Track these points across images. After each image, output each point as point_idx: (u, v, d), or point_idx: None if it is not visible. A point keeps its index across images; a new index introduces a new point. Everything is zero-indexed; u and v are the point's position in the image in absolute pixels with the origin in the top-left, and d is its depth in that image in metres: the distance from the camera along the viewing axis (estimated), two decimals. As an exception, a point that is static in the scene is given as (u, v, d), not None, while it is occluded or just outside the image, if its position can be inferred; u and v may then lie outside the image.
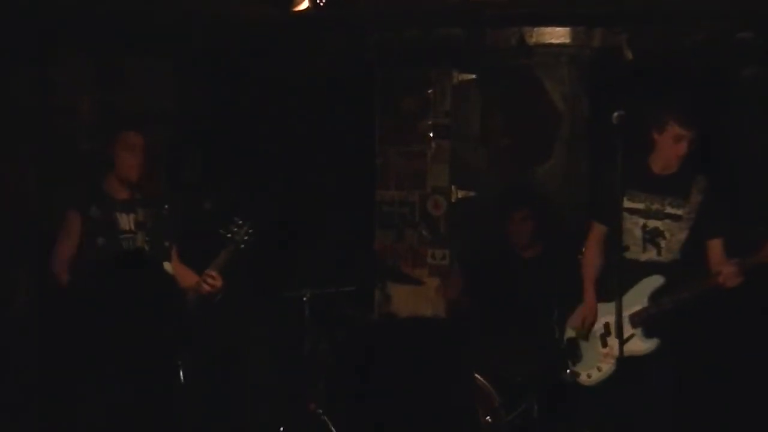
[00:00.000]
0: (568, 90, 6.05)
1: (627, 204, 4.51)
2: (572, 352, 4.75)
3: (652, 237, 4.53)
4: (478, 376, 4.92)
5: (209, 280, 4.66)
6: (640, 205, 4.54)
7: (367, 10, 5.61)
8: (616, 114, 4.24)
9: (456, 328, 5.52)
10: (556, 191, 6.02)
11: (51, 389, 4.54)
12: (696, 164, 4.49)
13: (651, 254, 4.53)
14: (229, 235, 4.74)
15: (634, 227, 4.54)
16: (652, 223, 4.53)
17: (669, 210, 4.50)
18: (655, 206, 4.52)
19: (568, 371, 4.71)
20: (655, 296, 4.50)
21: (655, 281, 4.50)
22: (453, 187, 6.16)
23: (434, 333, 2.18)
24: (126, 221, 4.70)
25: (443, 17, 5.82)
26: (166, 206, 4.85)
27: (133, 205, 4.72)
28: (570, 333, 4.78)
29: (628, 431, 4.39)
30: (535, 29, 5.93)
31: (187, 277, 4.75)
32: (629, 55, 5.55)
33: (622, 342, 4.18)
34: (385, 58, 6.16)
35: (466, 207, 6.16)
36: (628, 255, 4.49)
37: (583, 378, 4.67)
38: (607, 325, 4.63)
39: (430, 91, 6.17)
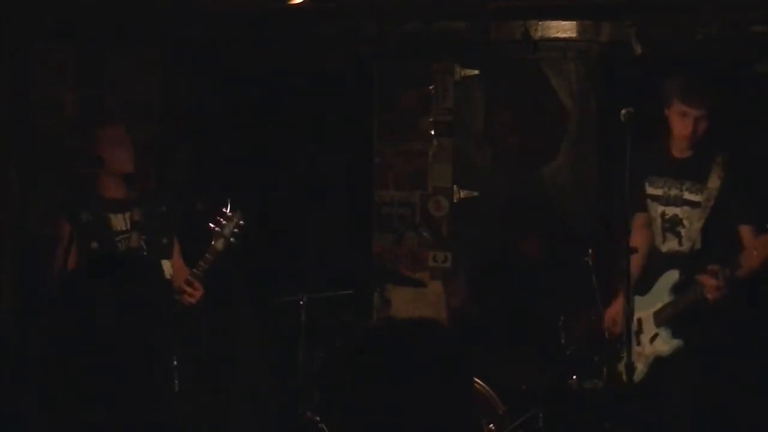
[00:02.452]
0: (575, 86, 6.09)
1: (648, 190, 4.55)
2: (616, 350, 4.65)
3: (672, 225, 4.54)
4: (482, 384, 5.00)
5: (187, 289, 4.62)
6: (659, 191, 4.56)
7: (365, 1, 5.68)
8: (624, 111, 4.33)
9: (456, 332, 5.62)
10: (564, 191, 6.09)
11: (32, 398, 4.58)
12: (715, 144, 4.49)
13: (672, 244, 4.54)
14: (218, 229, 4.67)
15: (655, 215, 4.55)
16: (671, 211, 4.54)
17: (687, 196, 4.50)
18: (674, 192, 4.53)
19: (573, 377, 4.77)
20: (675, 292, 4.49)
21: (672, 277, 4.50)
22: (455, 187, 6.23)
23: (433, 336, 2.17)
24: (120, 221, 4.72)
25: (445, 9, 5.89)
26: (164, 206, 4.87)
27: (128, 203, 4.74)
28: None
29: None
30: (541, 23, 5.99)
31: (184, 275, 4.75)
32: (638, 49, 5.58)
33: (629, 340, 4.19)
34: (384, 52, 6.21)
35: (469, 208, 6.24)
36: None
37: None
38: (639, 322, 4.62)
39: (431, 86, 6.22)
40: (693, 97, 4.41)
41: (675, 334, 4.47)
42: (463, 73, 6.19)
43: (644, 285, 4.60)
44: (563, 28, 6.01)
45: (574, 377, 4.79)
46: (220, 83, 6.33)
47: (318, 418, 5.06)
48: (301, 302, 5.21)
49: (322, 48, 6.22)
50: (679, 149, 4.53)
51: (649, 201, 4.58)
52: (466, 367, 2.14)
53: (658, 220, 4.55)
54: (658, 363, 4.42)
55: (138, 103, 6.16)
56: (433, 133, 6.23)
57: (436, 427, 1.97)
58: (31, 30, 5.74)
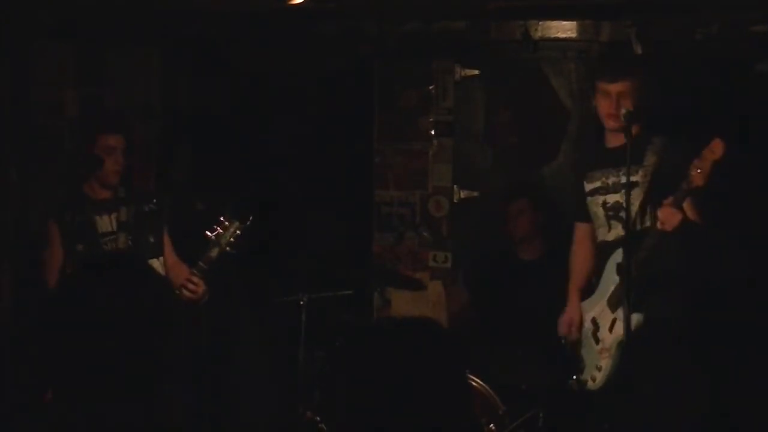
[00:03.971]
0: (575, 86, 6.13)
1: (587, 187, 4.58)
2: (575, 362, 4.74)
3: (615, 212, 4.52)
4: (482, 384, 5.02)
5: (190, 286, 4.61)
6: (598, 183, 4.57)
7: (365, 1, 5.70)
8: (624, 111, 4.36)
9: (455, 331, 5.63)
10: (564, 191, 6.09)
11: (29, 399, 4.60)
12: (651, 128, 4.52)
13: (617, 231, 4.50)
14: (214, 237, 4.64)
15: (597, 208, 4.57)
16: (612, 198, 4.53)
17: (624, 179, 4.44)
18: (612, 179, 4.52)
19: (573, 377, 4.78)
20: (621, 270, 4.44)
21: (617, 256, 4.45)
22: (455, 187, 6.26)
23: (430, 335, 2.17)
24: (107, 222, 4.73)
25: (445, 9, 5.91)
26: (154, 201, 4.88)
27: (116, 204, 4.76)
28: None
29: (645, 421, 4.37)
30: (541, 23, 6.01)
31: (180, 271, 4.77)
32: (638, 49, 5.58)
33: (629, 329, 4.20)
34: (384, 52, 6.23)
35: (469, 208, 6.26)
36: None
37: (589, 384, 4.63)
38: (594, 320, 4.64)
39: (431, 86, 6.25)
40: (608, 73, 4.46)
41: (631, 311, 4.37)
42: (463, 73, 6.22)
43: (593, 285, 4.64)
44: (563, 28, 6.03)
45: (574, 377, 4.79)
46: (220, 83, 6.35)
47: (318, 418, 5.08)
48: (301, 302, 5.22)
49: (322, 48, 6.24)
50: (613, 137, 4.53)
51: (588, 198, 4.60)
52: (463, 366, 2.15)
53: (601, 211, 4.55)
54: (623, 347, 4.37)
55: (138, 103, 6.17)
56: (433, 133, 6.26)
57: (435, 425, 1.98)
58: (31, 29, 5.75)
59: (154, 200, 4.91)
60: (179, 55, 6.30)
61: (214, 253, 4.64)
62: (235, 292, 5.91)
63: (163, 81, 6.28)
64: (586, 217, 4.72)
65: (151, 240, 4.82)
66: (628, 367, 4.27)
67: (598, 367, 4.60)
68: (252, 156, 6.38)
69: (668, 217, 4.23)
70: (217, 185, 6.07)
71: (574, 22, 6.01)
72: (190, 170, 6.38)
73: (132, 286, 2.14)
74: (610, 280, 4.52)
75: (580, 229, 4.81)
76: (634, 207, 4.43)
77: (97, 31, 5.94)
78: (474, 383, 5.01)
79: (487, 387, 5.01)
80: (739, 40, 5.63)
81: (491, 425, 4.95)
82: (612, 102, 4.43)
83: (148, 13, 5.80)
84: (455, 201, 6.26)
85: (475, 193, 6.25)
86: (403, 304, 6.11)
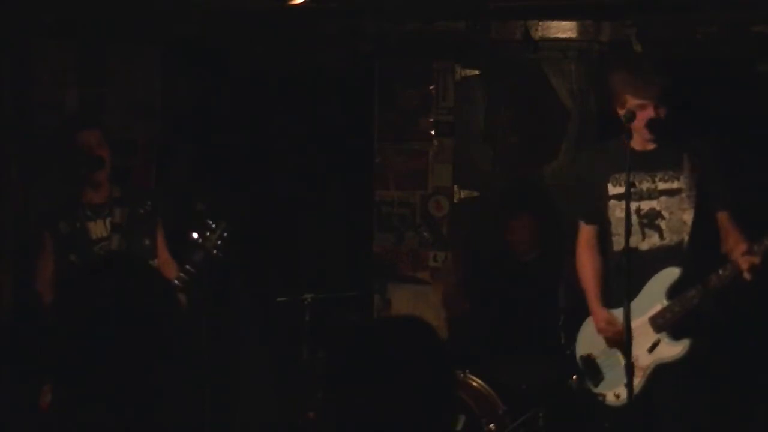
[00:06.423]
0: (576, 86, 6.13)
1: (613, 190, 4.29)
2: (591, 373, 4.44)
3: (650, 220, 4.23)
4: (482, 383, 5.02)
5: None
6: (625, 188, 4.14)
7: (366, 0, 5.71)
8: (624, 111, 4.34)
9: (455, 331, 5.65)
10: (564, 191, 6.10)
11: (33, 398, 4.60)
12: (684, 134, 4.28)
13: (653, 240, 4.23)
14: (200, 240, 4.46)
15: (622, 215, 4.15)
16: (647, 204, 4.22)
17: (662, 186, 4.21)
18: (646, 185, 4.22)
19: (573, 377, 4.77)
20: (674, 292, 4.17)
21: (670, 275, 4.19)
22: (456, 187, 6.26)
23: (414, 333, 2.19)
24: (101, 227, 4.63)
25: (445, 9, 5.92)
26: (149, 203, 4.75)
27: (111, 206, 4.65)
28: (583, 350, 4.49)
29: None
30: (541, 23, 6.02)
31: (170, 270, 4.60)
32: (638, 48, 5.62)
33: (629, 347, 4.05)
34: (384, 52, 6.24)
35: (470, 208, 6.26)
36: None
37: (611, 399, 4.32)
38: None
39: (431, 86, 6.26)
40: (644, 89, 4.15)
41: (678, 335, 4.17)
42: (463, 73, 6.22)
43: (620, 294, 4.21)
44: (563, 28, 6.04)
45: (574, 377, 4.78)
46: (220, 83, 6.35)
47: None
48: (306, 302, 5.22)
49: (322, 47, 6.25)
50: (642, 142, 4.23)
51: (614, 201, 4.28)
52: (447, 363, 2.15)
53: (633, 217, 4.15)
54: (662, 371, 4.15)
55: (138, 103, 6.18)
56: (433, 132, 6.27)
57: (420, 421, 2.00)
58: (32, 28, 5.76)
59: (149, 202, 4.77)
60: (179, 55, 6.31)
61: (199, 256, 4.48)
62: (236, 292, 5.91)
63: (163, 81, 6.29)
64: (598, 219, 4.40)
65: (146, 243, 4.70)
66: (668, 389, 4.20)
67: (626, 384, 4.20)
68: (252, 156, 6.38)
69: (752, 271, 3.99)
70: (217, 185, 6.07)
71: (574, 22, 6.02)
72: (190, 170, 6.38)
73: (135, 287, 2.11)
74: (653, 299, 4.20)
75: (586, 232, 4.47)
76: (676, 217, 4.21)
77: (97, 31, 5.95)
78: (474, 383, 5.03)
79: (487, 387, 5.02)
80: (739, 40, 5.64)
81: (491, 425, 4.96)
82: (651, 114, 4.13)
83: (148, 13, 5.80)
84: (455, 201, 6.27)
85: (475, 193, 6.25)
86: (403, 303, 6.12)
